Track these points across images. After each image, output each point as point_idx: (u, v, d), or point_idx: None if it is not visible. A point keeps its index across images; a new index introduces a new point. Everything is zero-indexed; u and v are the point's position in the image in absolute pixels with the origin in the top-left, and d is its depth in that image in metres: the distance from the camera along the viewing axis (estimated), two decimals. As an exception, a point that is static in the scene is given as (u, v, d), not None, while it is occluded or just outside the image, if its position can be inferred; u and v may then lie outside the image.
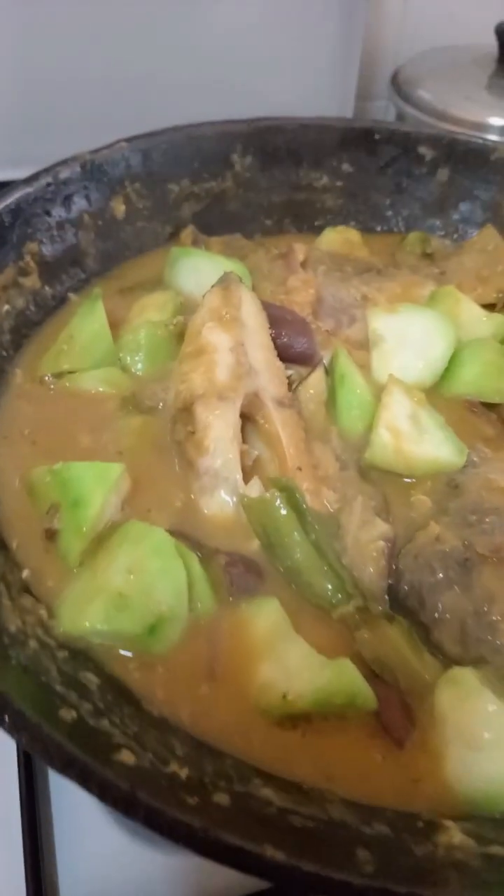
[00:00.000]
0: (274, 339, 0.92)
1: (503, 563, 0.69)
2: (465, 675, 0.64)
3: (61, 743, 0.50)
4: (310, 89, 1.77)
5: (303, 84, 1.75)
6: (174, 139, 1.16)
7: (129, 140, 1.12)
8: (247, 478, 0.81)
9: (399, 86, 1.65)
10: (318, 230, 1.24)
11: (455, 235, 1.25)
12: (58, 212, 1.05)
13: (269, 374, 0.87)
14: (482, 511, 0.75)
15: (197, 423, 0.81)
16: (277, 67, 1.69)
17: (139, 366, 0.94)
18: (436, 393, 0.94)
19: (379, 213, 1.28)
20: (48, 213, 1.04)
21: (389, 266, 1.16)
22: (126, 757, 0.53)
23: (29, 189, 1.01)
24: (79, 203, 1.07)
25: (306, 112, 1.42)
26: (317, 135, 1.23)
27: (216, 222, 1.21)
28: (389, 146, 1.24)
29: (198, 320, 0.89)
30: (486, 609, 0.67)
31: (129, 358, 0.94)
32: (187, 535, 0.77)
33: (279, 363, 0.89)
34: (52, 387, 0.91)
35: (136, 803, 0.48)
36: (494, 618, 0.66)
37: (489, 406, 0.92)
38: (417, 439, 0.83)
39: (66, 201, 1.06)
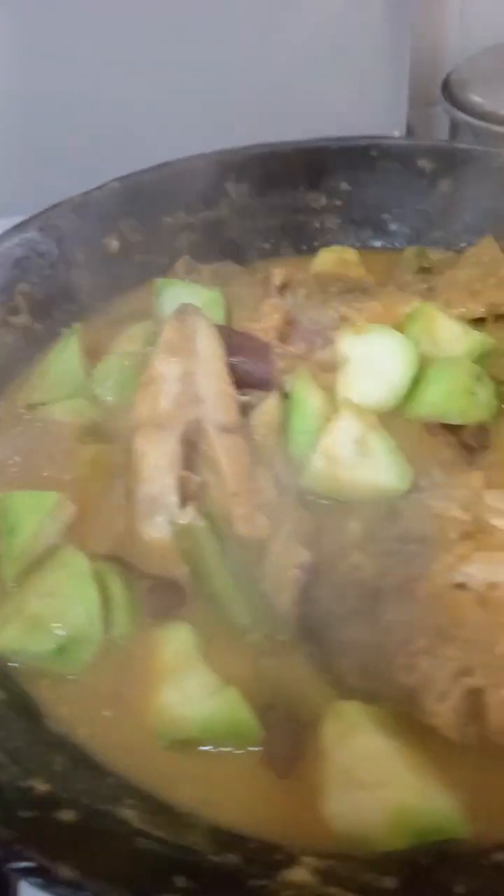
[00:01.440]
0: (233, 366, 0.94)
1: (410, 596, 0.66)
2: (350, 710, 0.62)
3: None
4: (360, 99, 1.76)
5: (352, 94, 1.75)
6: (166, 174, 1.20)
7: (120, 180, 1.18)
8: (193, 503, 0.83)
9: (451, 90, 1.60)
10: (317, 251, 1.25)
11: (460, 247, 1.21)
12: (50, 254, 1.12)
13: (215, 402, 0.88)
14: (409, 539, 0.73)
15: (134, 451, 0.84)
16: (323, 81, 1.69)
17: (108, 396, 0.99)
18: (398, 415, 0.91)
19: (382, 230, 1.26)
20: (41, 256, 1.11)
21: (386, 283, 1.14)
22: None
23: (21, 236, 1.09)
24: (71, 244, 1.14)
25: (357, 123, 1.43)
26: (312, 156, 1.23)
27: (213, 250, 1.23)
28: (388, 161, 1.22)
29: (154, 351, 0.93)
30: (385, 643, 0.65)
31: (98, 388, 0.99)
32: (122, 560, 0.80)
33: (230, 390, 0.91)
34: (25, 417, 0.98)
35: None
36: (393, 652, 0.64)
37: (452, 428, 0.88)
38: (357, 465, 0.82)
39: (59, 243, 1.12)
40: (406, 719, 0.62)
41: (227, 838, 0.58)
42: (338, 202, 1.25)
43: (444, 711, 0.60)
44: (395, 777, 0.57)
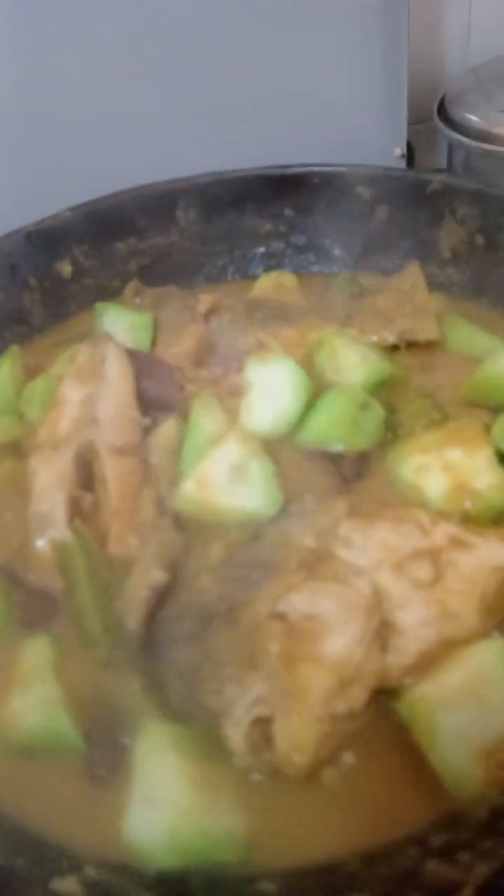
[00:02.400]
0: (141, 390, 0.99)
1: (235, 622, 0.69)
2: (157, 730, 0.65)
3: None
4: (359, 116, 1.78)
5: (352, 111, 1.76)
6: (118, 202, 1.26)
7: (72, 209, 1.24)
8: (78, 521, 0.88)
9: (446, 109, 1.58)
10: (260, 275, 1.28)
11: (393, 274, 1.22)
12: (1, 279, 1.20)
13: (112, 425, 0.93)
14: (255, 565, 0.76)
15: (28, 470, 0.90)
16: (322, 98, 1.72)
17: (34, 413, 1.05)
18: (289, 442, 0.94)
19: (323, 256, 1.28)
20: (-8, 281, 1.19)
21: (314, 309, 1.16)
22: None
23: (-29, 262, 1.17)
24: (23, 269, 1.21)
25: (357, 139, 1.52)
26: (257, 184, 1.27)
27: (162, 274, 1.28)
28: (328, 189, 1.24)
29: (65, 376, 0.99)
30: (204, 667, 0.68)
31: (25, 408, 1.06)
32: (11, 573, 0.86)
33: (132, 413, 0.95)
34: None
35: None
36: (204, 676, 0.67)
37: (334, 456, 0.90)
38: (228, 490, 0.85)
39: (11, 269, 1.20)
40: (215, 744, 0.65)
41: (24, 841, 0.62)
42: (282, 228, 1.28)
43: (236, 737, 0.62)
44: (179, 798, 0.60)
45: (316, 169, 1.23)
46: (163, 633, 0.74)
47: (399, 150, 1.89)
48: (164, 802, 0.61)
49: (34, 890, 0.57)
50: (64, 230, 1.23)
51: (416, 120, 1.70)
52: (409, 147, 1.70)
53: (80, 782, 0.67)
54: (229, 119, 1.60)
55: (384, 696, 0.67)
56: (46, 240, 1.22)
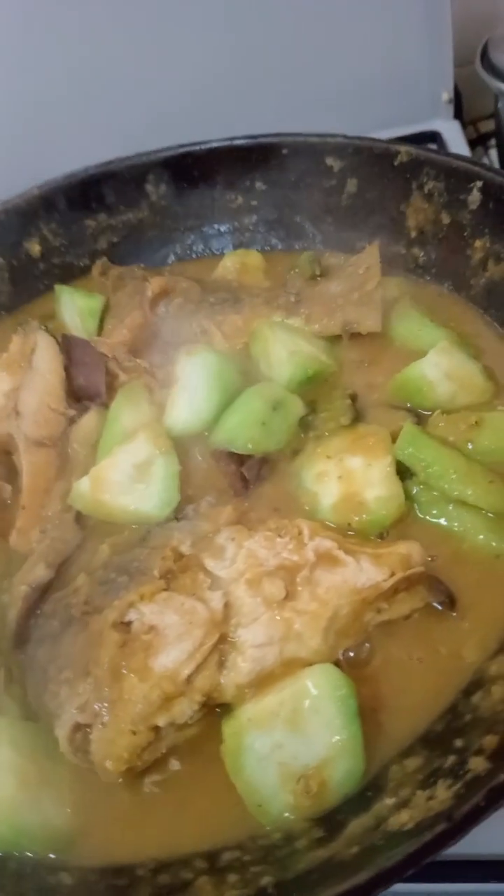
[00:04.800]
0: (70, 379, 1.00)
1: (85, 627, 0.71)
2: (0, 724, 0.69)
3: None
4: (405, 61, 1.68)
5: (397, 57, 1.67)
6: (88, 177, 1.25)
7: (40, 186, 1.25)
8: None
9: (488, 55, 1.46)
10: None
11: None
12: (-30, 259, 1.23)
13: (33, 417, 0.95)
14: (123, 569, 0.77)
15: None
16: (366, 45, 1.64)
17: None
18: (202, 440, 0.93)
19: (295, 231, 1.23)
20: (-43, 261, 1.23)
21: (270, 291, 1.13)
22: None
23: None
24: (-9, 249, 1.24)
25: (403, 86, 1.51)
26: (226, 156, 1.22)
27: (132, 252, 1.28)
28: (298, 160, 1.18)
29: (-2, 365, 1.01)
30: (51, 668, 0.71)
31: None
32: None
33: (55, 405, 0.97)
34: None
35: None
36: (49, 677, 0.70)
37: (239, 457, 0.89)
38: (124, 489, 0.86)
39: (-22, 249, 1.24)
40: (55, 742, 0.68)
41: None
42: (253, 202, 1.24)
43: (61, 739, 0.65)
44: (2, 791, 0.65)
45: (286, 140, 1.17)
46: (37, 630, 0.78)
47: (446, 95, 1.76)
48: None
49: None
50: (32, 208, 1.24)
51: (465, 62, 1.57)
52: (457, 92, 1.59)
53: None
54: (273, 72, 1.56)
55: (219, 709, 0.68)
56: (14, 218, 1.24)
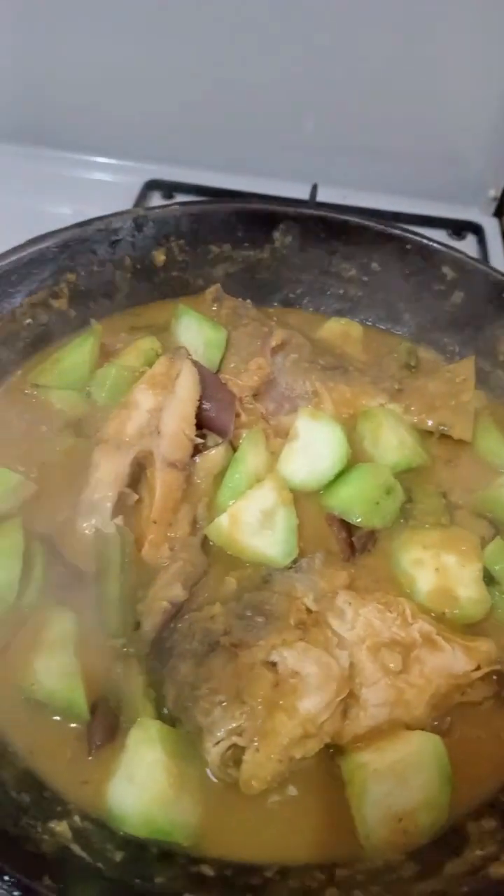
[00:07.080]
0: (201, 410, 1.11)
1: (235, 658, 0.84)
2: (151, 725, 0.81)
3: None
4: (462, 149, 1.88)
5: (457, 143, 1.86)
6: (225, 210, 1.34)
7: (182, 204, 1.33)
8: (122, 517, 1.02)
9: None
10: (332, 314, 1.38)
11: (450, 356, 1.32)
12: (103, 252, 1.29)
13: (171, 440, 1.05)
14: (259, 610, 0.90)
15: (91, 460, 1.03)
16: (435, 122, 1.81)
17: (101, 397, 1.17)
18: (316, 498, 1.07)
19: (393, 315, 1.38)
20: (94, 252, 1.28)
21: (369, 370, 1.27)
22: None
23: (80, 230, 1.26)
24: (124, 248, 1.30)
25: (453, 169, 1.76)
26: (355, 231, 1.34)
27: (243, 285, 1.38)
28: (417, 257, 1.32)
29: (141, 380, 1.10)
30: (199, 685, 0.83)
31: (94, 389, 1.17)
32: (52, 543, 1.00)
33: (189, 432, 1.07)
34: (27, 393, 1.17)
35: None
36: (199, 694, 0.82)
37: (349, 525, 1.04)
38: (255, 532, 0.99)
39: (113, 245, 1.29)
40: (194, 750, 0.81)
41: (30, 782, 0.79)
42: (365, 278, 1.37)
43: (213, 753, 0.79)
44: (155, 785, 0.77)
45: (412, 238, 1.31)
46: (172, 643, 0.89)
47: (493, 192, 1.99)
48: (144, 785, 0.78)
49: (38, 826, 0.73)
50: (169, 221, 1.32)
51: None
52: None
53: (79, 744, 0.83)
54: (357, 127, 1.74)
55: (331, 749, 0.84)
56: (152, 226, 1.31)
